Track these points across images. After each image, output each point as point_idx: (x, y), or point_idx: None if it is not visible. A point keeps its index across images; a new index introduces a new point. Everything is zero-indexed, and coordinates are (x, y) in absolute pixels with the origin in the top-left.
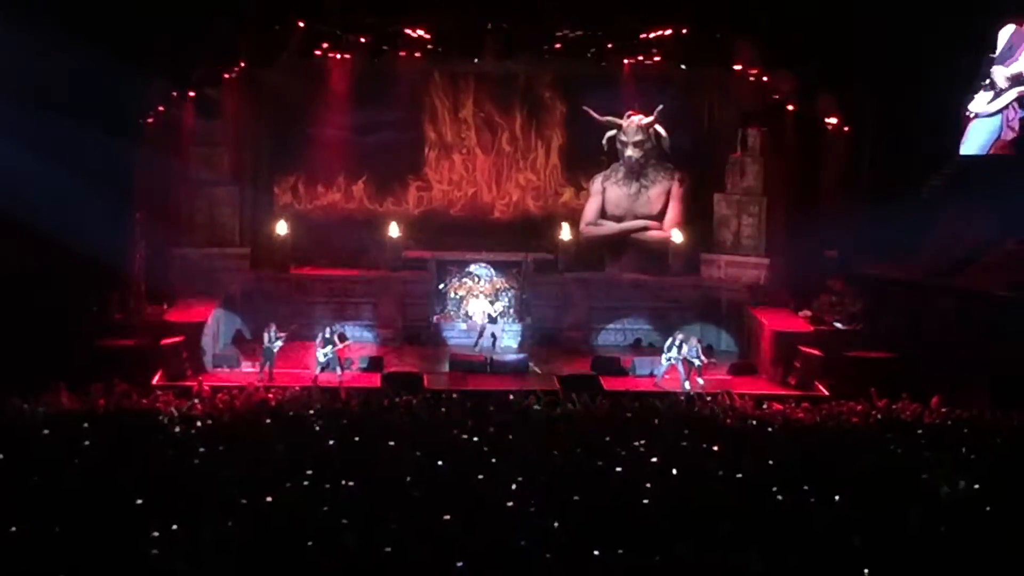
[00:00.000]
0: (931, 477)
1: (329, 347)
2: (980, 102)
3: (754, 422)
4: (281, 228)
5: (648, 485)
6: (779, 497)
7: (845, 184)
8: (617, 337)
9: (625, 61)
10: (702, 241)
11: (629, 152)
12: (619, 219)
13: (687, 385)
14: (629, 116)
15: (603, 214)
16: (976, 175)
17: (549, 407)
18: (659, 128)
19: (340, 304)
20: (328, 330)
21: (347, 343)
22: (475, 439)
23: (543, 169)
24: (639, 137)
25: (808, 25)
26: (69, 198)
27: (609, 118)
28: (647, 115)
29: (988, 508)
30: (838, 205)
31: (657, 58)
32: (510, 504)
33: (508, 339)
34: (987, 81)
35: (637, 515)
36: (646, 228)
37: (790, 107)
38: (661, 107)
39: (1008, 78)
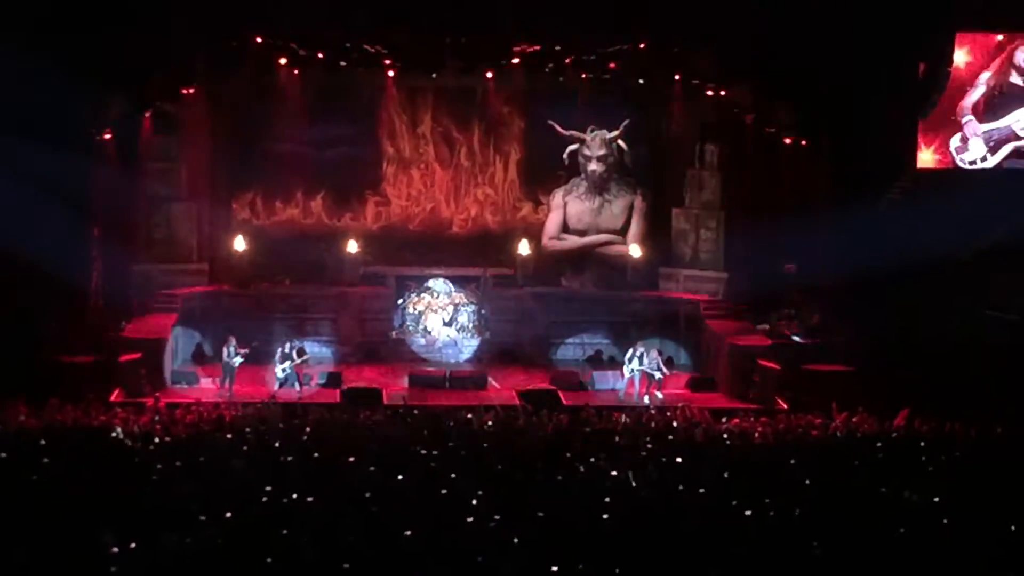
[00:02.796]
0: (890, 490)
1: (288, 363)
2: (974, 154)
3: (716, 436)
4: (239, 244)
5: (607, 499)
6: (740, 511)
7: (803, 198)
8: (576, 351)
9: (583, 75)
10: (660, 255)
11: (593, 166)
12: (582, 233)
13: (646, 399)
14: (592, 130)
15: (565, 228)
16: (933, 188)
17: (509, 422)
18: (621, 142)
19: (299, 320)
20: (287, 345)
21: (305, 358)
22: (434, 453)
23: (501, 184)
24: (603, 151)
25: (765, 39)
26: (26, 214)
27: (573, 132)
28: (610, 129)
29: (946, 520)
30: (796, 219)
31: (615, 72)
32: (470, 519)
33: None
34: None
35: (597, 530)
36: (611, 242)
37: (748, 121)
38: (627, 121)
39: (993, 137)
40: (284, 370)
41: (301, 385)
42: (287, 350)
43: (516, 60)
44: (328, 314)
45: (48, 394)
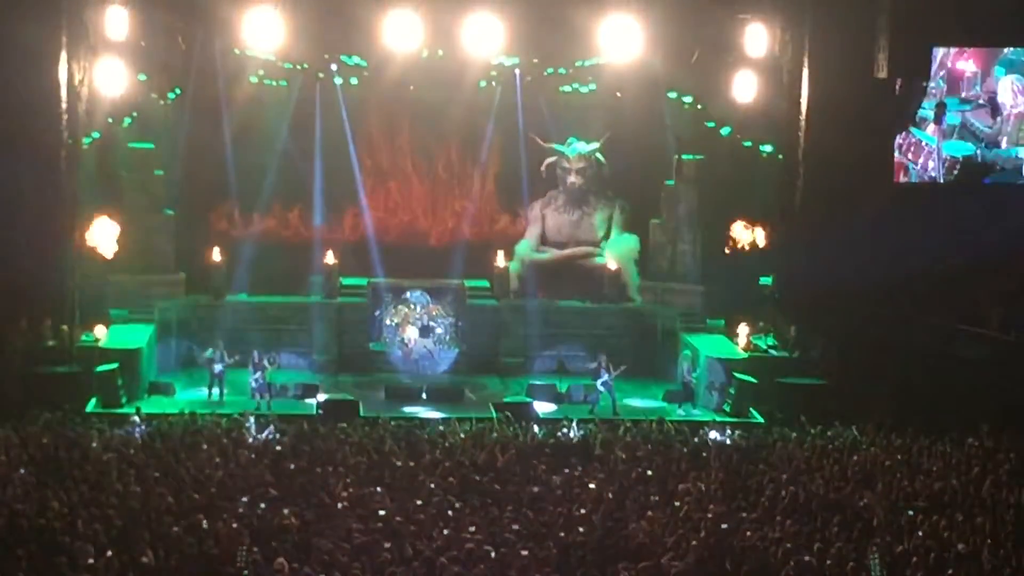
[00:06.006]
0: (864, 503)
1: (259, 373)
2: None
3: (692, 448)
4: (216, 255)
5: (582, 511)
6: (716, 523)
7: (779, 211)
8: (552, 364)
9: (561, 89)
10: (638, 268)
11: (572, 179)
12: (562, 245)
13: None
14: (570, 143)
15: (544, 241)
16: (910, 202)
17: (485, 434)
18: (600, 155)
19: (276, 331)
20: (256, 354)
21: (276, 365)
22: (411, 464)
23: (479, 196)
24: (582, 164)
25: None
26: (1, 223)
27: (552, 145)
28: (588, 142)
29: (920, 534)
30: (772, 232)
31: (592, 86)
32: (446, 532)
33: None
34: None
35: (573, 541)
36: (589, 255)
37: (725, 135)
38: (608, 135)
39: None
40: (257, 380)
41: (271, 395)
42: (257, 359)
43: (494, 73)
44: (305, 325)
45: (24, 405)
